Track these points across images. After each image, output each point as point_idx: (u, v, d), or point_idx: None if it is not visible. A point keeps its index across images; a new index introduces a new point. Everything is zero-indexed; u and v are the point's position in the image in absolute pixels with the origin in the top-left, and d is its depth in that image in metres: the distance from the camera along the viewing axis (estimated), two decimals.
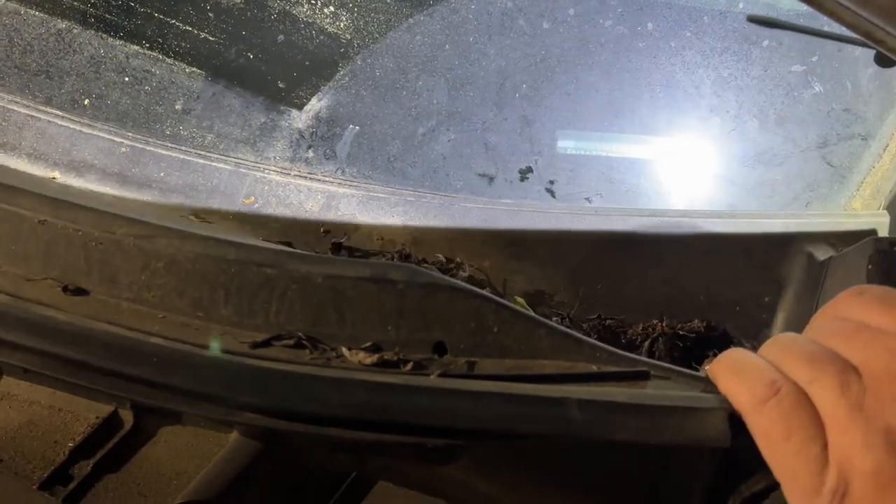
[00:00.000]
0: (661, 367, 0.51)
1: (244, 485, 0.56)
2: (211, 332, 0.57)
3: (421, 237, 0.98)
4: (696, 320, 0.78)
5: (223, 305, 0.57)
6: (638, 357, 0.52)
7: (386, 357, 0.54)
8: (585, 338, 0.52)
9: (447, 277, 0.56)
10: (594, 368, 0.50)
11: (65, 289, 0.61)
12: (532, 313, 0.54)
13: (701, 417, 0.43)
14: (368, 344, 0.55)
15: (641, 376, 0.50)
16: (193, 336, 0.56)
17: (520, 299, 0.79)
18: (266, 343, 0.56)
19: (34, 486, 0.59)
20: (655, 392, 0.47)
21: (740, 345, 0.78)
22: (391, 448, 0.57)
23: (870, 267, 0.61)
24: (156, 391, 0.54)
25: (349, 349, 0.55)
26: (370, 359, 0.54)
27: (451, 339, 0.54)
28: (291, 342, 0.56)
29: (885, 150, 1.17)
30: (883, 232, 0.92)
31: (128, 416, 0.63)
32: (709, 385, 0.48)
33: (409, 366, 0.53)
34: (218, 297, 0.57)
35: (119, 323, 0.57)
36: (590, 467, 0.51)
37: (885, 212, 1.04)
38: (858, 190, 1.16)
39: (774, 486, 0.53)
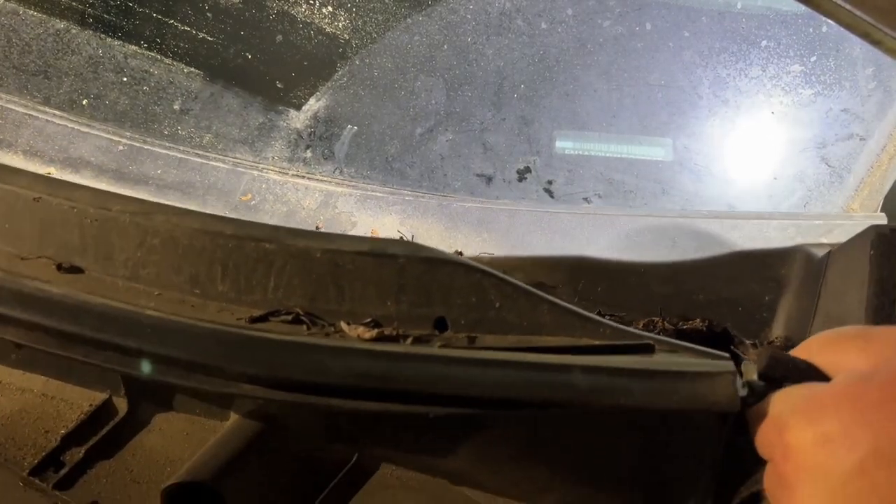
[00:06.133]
0: (665, 342, 0.50)
1: (240, 467, 0.55)
2: (208, 308, 0.56)
3: (419, 234, 0.98)
4: (697, 319, 0.78)
5: (220, 281, 0.56)
6: (642, 332, 0.51)
7: (385, 332, 0.53)
8: (589, 314, 0.51)
9: (448, 252, 0.55)
10: (598, 343, 0.49)
11: (59, 267, 0.60)
12: (534, 289, 0.53)
13: (709, 381, 0.42)
14: (368, 319, 0.54)
15: (646, 349, 0.49)
16: (190, 312, 0.55)
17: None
18: (263, 318, 0.55)
19: (24, 472, 0.58)
20: (661, 359, 0.46)
21: (741, 343, 0.78)
22: (392, 433, 0.55)
23: (872, 252, 0.60)
24: (151, 364, 0.53)
25: (348, 324, 0.54)
26: (369, 334, 0.53)
27: (452, 314, 0.53)
28: (289, 318, 0.55)
29: (882, 149, 1.17)
30: None
31: (122, 404, 0.62)
32: (716, 357, 0.47)
33: (409, 341, 0.52)
34: (215, 273, 0.56)
35: (114, 300, 0.56)
36: (592, 458, 0.49)
37: (882, 213, 1.04)
38: (857, 190, 1.16)
39: None
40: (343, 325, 0.54)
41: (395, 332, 0.53)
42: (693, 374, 0.42)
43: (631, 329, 0.52)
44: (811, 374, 0.39)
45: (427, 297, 0.54)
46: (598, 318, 0.53)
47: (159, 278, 0.57)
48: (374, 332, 0.53)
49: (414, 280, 0.54)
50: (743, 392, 0.42)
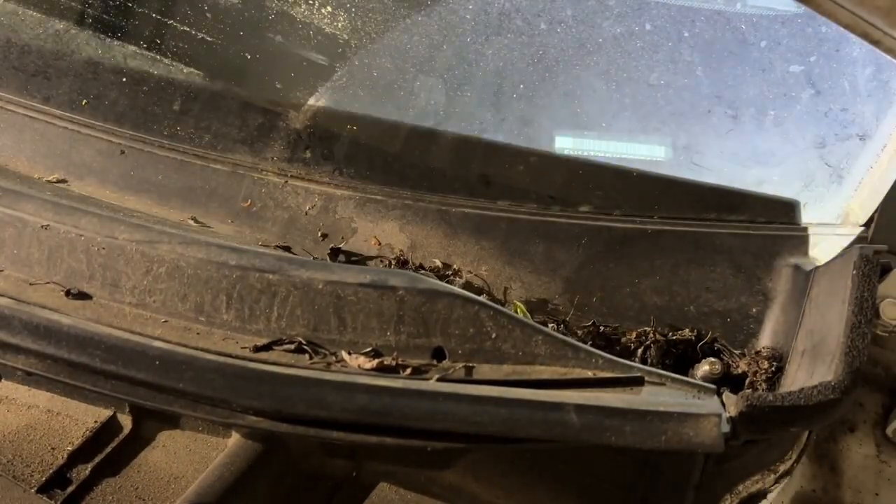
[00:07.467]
0: (655, 373, 0.52)
1: (244, 487, 0.57)
2: (213, 336, 0.58)
3: (418, 241, 0.99)
4: (687, 330, 0.79)
5: (225, 310, 0.58)
6: (632, 364, 0.53)
7: (385, 362, 0.55)
8: (582, 344, 0.53)
9: (446, 284, 0.57)
10: (590, 374, 0.51)
11: (67, 293, 0.61)
12: (530, 320, 0.55)
13: (695, 423, 0.44)
14: (368, 349, 0.56)
15: (636, 382, 0.51)
16: (195, 340, 0.57)
17: (520, 305, 0.80)
18: (267, 347, 0.56)
19: (32, 490, 0.60)
20: (650, 398, 0.48)
21: (729, 354, 0.80)
22: (390, 451, 0.57)
23: (854, 272, 0.62)
24: (158, 394, 0.55)
25: (349, 354, 0.56)
26: (370, 363, 0.55)
27: (450, 344, 0.55)
28: (292, 347, 0.56)
29: (882, 149, 1.17)
30: None
31: (126, 421, 0.64)
32: (701, 391, 0.49)
33: (408, 371, 0.54)
34: (219, 303, 0.58)
35: (121, 327, 0.58)
36: (582, 471, 0.51)
37: (864, 227, 1.05)
38: (856, 190, 1.16)
39: (772, 487, 0.54)
40: (344, 354, 0.56)
41: (394, 362, 0.55)
42: (680, 416, 0.44)
43: (621, 360, 0.53)
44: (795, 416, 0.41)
45: (426, 328, 0.55)
46: (589, 348, 0.54)
47: (165, 306, 0.59)
48: (375, 361, 0.55)
49: (413, 311, 0.55)
50: (726, 428, 0.44)
